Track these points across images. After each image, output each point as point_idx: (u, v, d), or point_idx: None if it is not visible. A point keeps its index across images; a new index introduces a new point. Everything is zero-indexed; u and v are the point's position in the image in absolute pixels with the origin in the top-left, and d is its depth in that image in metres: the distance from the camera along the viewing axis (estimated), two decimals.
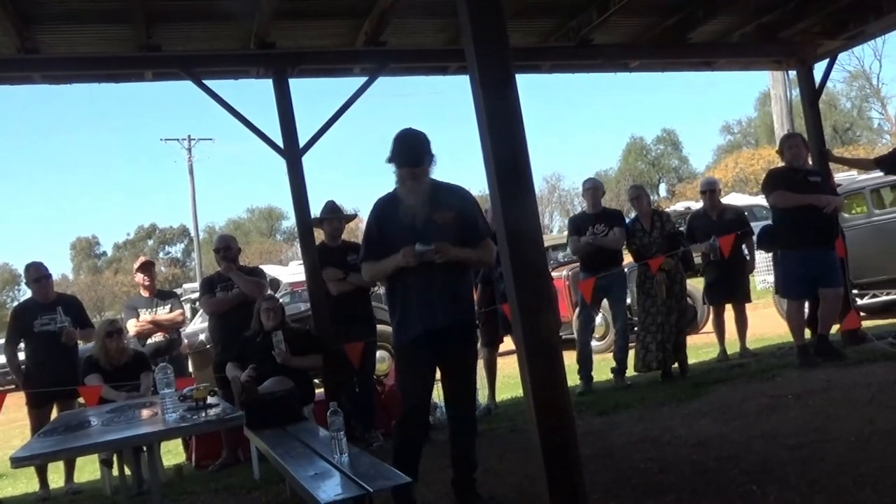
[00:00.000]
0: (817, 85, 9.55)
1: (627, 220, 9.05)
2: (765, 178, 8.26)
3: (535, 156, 3.99)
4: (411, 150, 4.70)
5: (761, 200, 9.26)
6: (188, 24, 7.09)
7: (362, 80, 7.81)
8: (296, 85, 7.63)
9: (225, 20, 7.10)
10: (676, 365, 8.58)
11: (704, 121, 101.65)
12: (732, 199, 23.79)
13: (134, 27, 6.85)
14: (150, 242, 77.95)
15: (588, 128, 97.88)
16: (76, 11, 6.61)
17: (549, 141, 75.58)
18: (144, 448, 5.55)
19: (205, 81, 7.34)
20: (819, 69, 9.56)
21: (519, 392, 4.86)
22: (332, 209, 7.93)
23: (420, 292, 4.64)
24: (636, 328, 9.20)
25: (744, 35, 9.10)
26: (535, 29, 8.23)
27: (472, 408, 5.15)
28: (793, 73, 10.38)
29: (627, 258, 9.23)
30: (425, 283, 4.62)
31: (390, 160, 4.71)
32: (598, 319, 10.79)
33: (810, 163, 8.46)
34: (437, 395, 5.57)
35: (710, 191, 9.76)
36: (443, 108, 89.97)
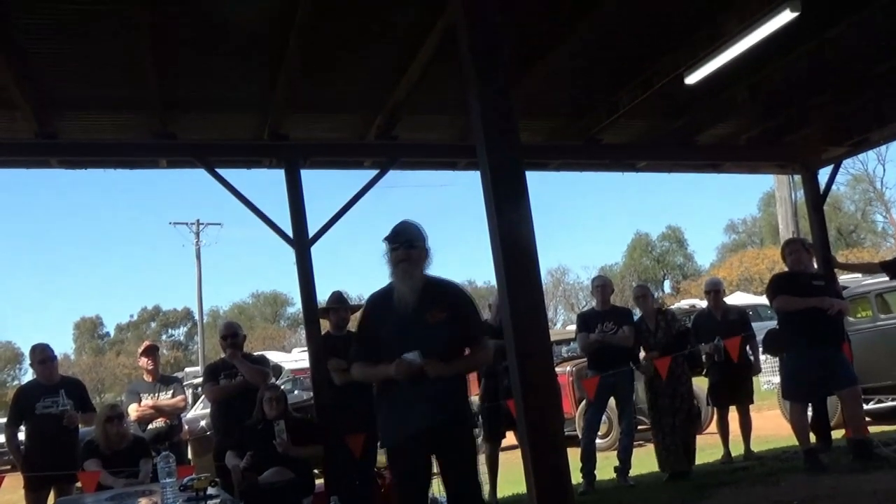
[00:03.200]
0: (822, 190, 9.68)
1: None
2: (769, 284, 8.27)
3: (540, 249, 4.05)
4: (406, 232, 4.67)
5: (766, 300, 9.34)
6: (203, 114, 7.26)
7: (373, 172, 7.94)
8: (307, 173, 7.78)
9: (239, 111, 7.27)
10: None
11: (709, 219, 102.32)
12: (737, 298, 23.79)
13: (150, 115, 7.01)
14: (154, 325, 77.84)
15: (593, 222, 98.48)
16: (95, 99, 6.79)
17: (554, 235, 75.86)
18: None
19: (217, 170, 7.46)
20: (824, 174, 9.71)
21: (521, 488, 4.80)
22: (338, 299, 7.96)
23: (409, 392, 4.46)
24: (640, 427, 9.11)
25: (749, 139, 9.27)
26: (543, 127, 8.38)
27: None
28: (797, 176, 10.51)
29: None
30: (415, 383, 4.43)
31: (386, 241, 4.66)
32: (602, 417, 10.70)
33: (815, 266, 8.50)
34: None
35: (715, 291, 9.81)
36: (450, 199, 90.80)
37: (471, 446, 4.87)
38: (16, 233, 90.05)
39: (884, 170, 65.31)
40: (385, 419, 4.69)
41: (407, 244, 4.61)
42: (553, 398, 4.13)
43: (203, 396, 13.07)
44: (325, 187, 12.10)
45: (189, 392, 15.00)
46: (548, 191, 76.79)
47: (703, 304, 11.96)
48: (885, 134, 9.29)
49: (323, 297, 7.90)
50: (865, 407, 10.45)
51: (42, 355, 7.75)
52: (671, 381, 8.41)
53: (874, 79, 8.08)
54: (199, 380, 15.16)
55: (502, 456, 8.61)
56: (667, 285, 67.72)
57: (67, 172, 7.97)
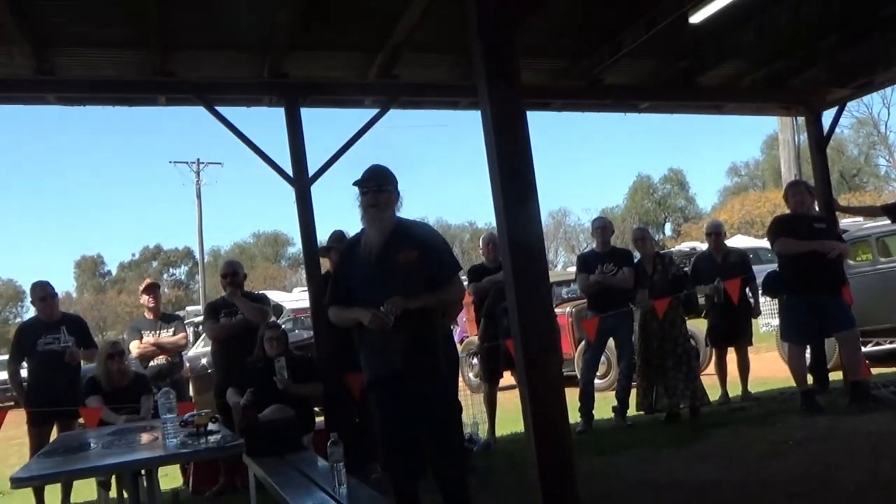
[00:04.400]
0: (825, 132, 9.60)
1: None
2: (769, 226, 8.27)
3: (541, 191, 4.02)
4: (376, 176, 4.76)
5: (767, 243, 9.36)
6: (203, 52, 7.17)
7: (374, 111, 7.88)
8: (307, 110, 7.72)
9: (240, 49, 7.18)
10: (686, 408, 8.51)
11: (711, 162, 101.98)
12: (738, 241, 23.75)
13: (149, 53, 6.93)
14: (155, 264, 78.03)
15: (595, 164, 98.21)
16: (93, 35, 6.69)
17: (556, 177, 75.62)
18: (143, 472, 5.54)
19: (217, 108, 7.41)
20: (827, 116, 9.63)
21: (519, 427, 4.85)
22: (338, 238, 7.91)
23: (380, 334, 4.58)
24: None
25: (753, 81, 9.17)
26: (546, 68, 8.29)
27: (453, 451, 4.94)
28: (801, 119, 10.44)
29: None
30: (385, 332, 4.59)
31: (355, 185, 4.78)
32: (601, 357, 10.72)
33: (816, 209, 8.47)
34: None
35: (716, 233, 9.82)
36: (451, 139, 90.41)
37: (444, 390, 4.99)
38: (16, 171, 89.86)
39: (888, 113, 65.11)
40: (365, 360, 4.83)
41: (376, 188, 4.72)
42: (552, 340, 4.13)
43: (204, 335, 13.13)
44: (325, 127, 12.01)
45: (190, 330, 15.06)
46: (550, 132, 76.33)
47: (704, 246, 11.96)
48: (890, 76, 9.19)
49: (323, 236, 7.89)
50: (864, 350, 10.51)
51: (43, 292, 7.77)
52: (663, 324, 8.43)
53: (880, 21, 7.96)
54: (200, 318, 15.23)
55: (501, 395, 8.67)
56: (668, 228, 67.79)
57: (67, 110, 7.90)
